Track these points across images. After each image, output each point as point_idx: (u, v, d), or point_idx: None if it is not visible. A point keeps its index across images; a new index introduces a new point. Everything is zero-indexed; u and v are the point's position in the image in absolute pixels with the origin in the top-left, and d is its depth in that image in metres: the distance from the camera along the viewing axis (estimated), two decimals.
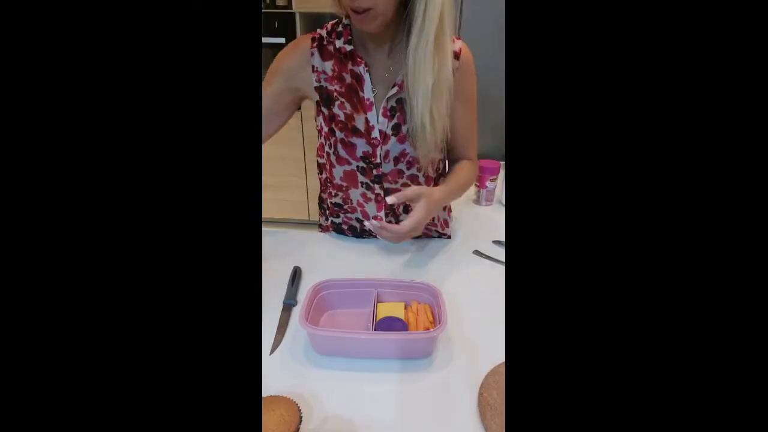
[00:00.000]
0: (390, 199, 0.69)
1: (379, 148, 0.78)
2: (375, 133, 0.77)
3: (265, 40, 2.24)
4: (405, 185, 0.82)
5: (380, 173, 0.80)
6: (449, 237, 0.94)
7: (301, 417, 0.47)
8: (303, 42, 0.78)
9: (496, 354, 0.60)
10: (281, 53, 0.80)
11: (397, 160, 0.80)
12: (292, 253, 0.83)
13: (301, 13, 2.20)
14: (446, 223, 0.94)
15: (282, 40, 2.24)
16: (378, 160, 0.79)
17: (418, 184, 0.83)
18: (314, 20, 2.48)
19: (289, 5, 2.21)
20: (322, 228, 0.96)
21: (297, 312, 0.67)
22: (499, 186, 1.17)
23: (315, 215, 2.58)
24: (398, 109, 0.77)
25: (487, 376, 0.54)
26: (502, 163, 1.20)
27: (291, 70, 0.79)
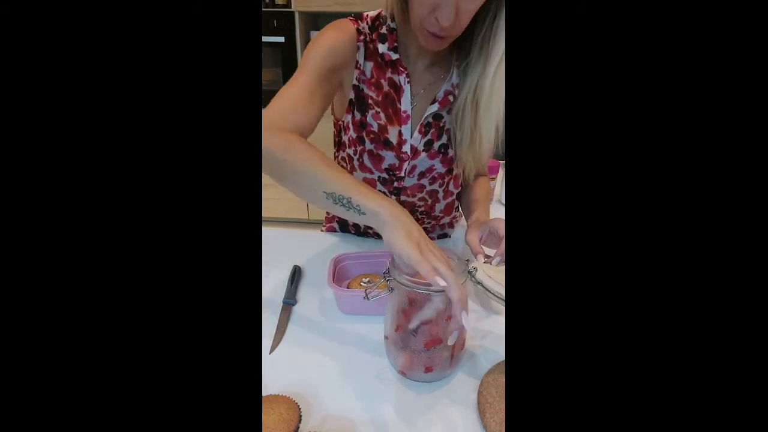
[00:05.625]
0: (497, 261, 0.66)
1: (406, 162, 0.75)
2: (406, 147, 0.74)
3: (264, 39, 2.24)
4: (422, 200, 0.81)
5: (401, 186, 0.78)
6: (449, 236, 0.94)
7: (300, 416, 0.47)
8: (349, 29, 0.69)
9: (496, 353, 0.60)
10: (335, 40, 0.68)
11: (422, 175, 0.77)
12: (292, 253, 0.83)
13: (300, 12, 2.20)
14: (452, 225, 0.94)
15: (281, 39, 2.24)
16: (402, 174, 0.77)
17: (437, 199, 0.83)
18: (313, 19, 2.48)
19: (288, 4, 2.21)
20: (326, 221, 0.96)
21: (299, 308, 0.67)
22: (498, 185, 1.17)
23: (315, 215, 2.58)
24: (433, 125, 0.74)
25: (486, 375, 0.54)
26: (502, 162, 1.20)
27: (343, 64, 0.69)
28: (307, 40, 2.34)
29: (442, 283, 0.46)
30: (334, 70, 0.68)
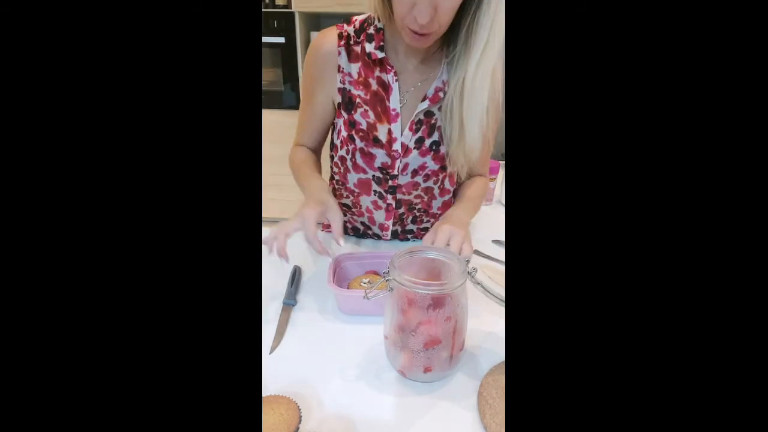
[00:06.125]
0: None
1: (398, 160, 0.75)
2: (396, 146, 0.74)
3: (264, 39, 2.24)
4: (418, 197, 0.81)
5: (395, 184, 0.78)
6: None
7: (300, 416, 0.47)
8: (327, 43, 0.73)
9: (496, 354, 0.60)
10: (309, 63, 0.76)
11: (415, 172, 0.77)
12: (292, 253, 0.82)
13: (300, 12, 2.20)
14: None
15: (281, 39, 2.24)
16: (395, 172, 0.77)
17: (433, 196, 0.82)
18: (314, 19, 2.48)
19: (288, 4, 2.21)
20: (324, 225, 0.96)
21: (299, 309, 0.67)
22: (498, 186, 1.17)
23: None
24: (425, 122, 0.74)
25: (486, 376, 0.54)
26: (502, 162, 1.20)
27: (323, 81, 0.75)
28: (307, 41, 2.34)
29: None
30: (320, 81, 0.75)
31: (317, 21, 2.54)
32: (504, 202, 1.12)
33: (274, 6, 2.22)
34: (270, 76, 2.36)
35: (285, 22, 2.22)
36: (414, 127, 0.74)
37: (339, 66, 0.73)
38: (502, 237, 0.91)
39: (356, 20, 0.74)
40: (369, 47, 0.71)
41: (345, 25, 0.74)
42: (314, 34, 2.33)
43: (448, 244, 0.64)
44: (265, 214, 2.55)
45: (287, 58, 2.28)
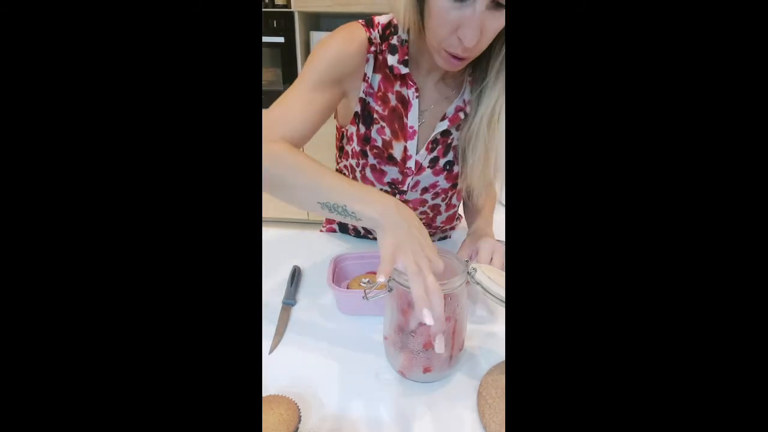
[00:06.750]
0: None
1: (410, 178, 0.74)
2: (410, 163, 0.72)
3: (264, 39, 2.24)
4: (423, 213, 0.81)
5: (403, 200, 0.76)
6: (449, 237, 0.94)
7: (300, 416, 0.47)
8: (360, 37, 0.65)
9: (496, 354, 0.60)
10: (333, 47, 0.64)
11: (425, 190, 0.76)
12: (292, 253, 0.83)
13: (299, 12, 2.20)
14: (453, 228, 0.94)
15: (281, 39, 2.24)
16: (405, 188, 0.75)
17: (438, 212, 0.82)
18: (313, 19, 2.48)
19: (288, 4, 2.21)
20: (326, 222, 0.96)
21: (299, 309, 0.67)
22: (498, 186, 1.17)
23: (315, 215, 2.58)
24: (440, 142, 0.72)
25: (486, 376, 0.54)
26: None
27: (343, 82, 0.66)
28: (306, 41, 2.34)
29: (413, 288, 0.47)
30: (338, 81, 0.66)
31: (317, 21, 2.54)
32: (504, 202, 1.12)
33: (274, 6, 2.22)
34: (270, 76, 2.36)
35: (284, 22, 2.22)
36: (430, 146, 0.72)
37: (365, 74, 0.67)
38: (502, 237, 0.91)
39: (378, 24, 0.67)
40: (392, 60, 0.66)
41: (371, 29, 0.67)
42: (314, 34, 2.33)
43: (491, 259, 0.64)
44: (265, 214, 2.55)
45: (287, 58, 2.28)
